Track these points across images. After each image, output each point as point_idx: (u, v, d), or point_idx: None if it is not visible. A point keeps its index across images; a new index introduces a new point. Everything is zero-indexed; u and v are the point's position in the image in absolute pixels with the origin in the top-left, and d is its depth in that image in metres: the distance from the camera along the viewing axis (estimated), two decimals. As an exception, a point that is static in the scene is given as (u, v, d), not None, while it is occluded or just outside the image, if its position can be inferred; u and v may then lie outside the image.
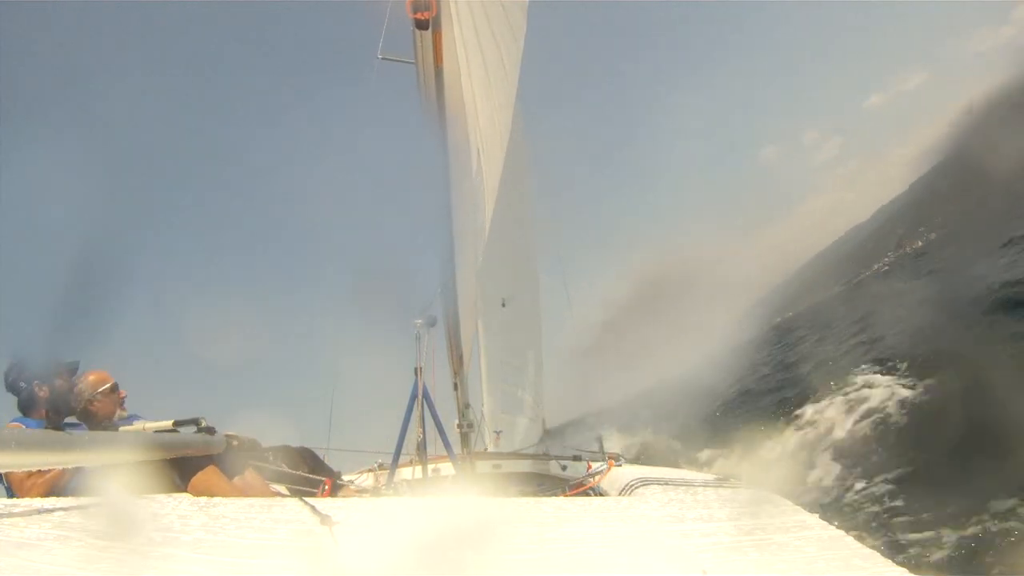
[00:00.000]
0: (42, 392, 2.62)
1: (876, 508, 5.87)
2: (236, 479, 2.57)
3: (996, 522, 4.54)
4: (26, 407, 2.63)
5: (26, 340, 2.56)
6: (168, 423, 2.56)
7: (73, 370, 2.75)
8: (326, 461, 3.50)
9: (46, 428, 2.54)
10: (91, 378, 2.82)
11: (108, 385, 2.83)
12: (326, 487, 2.99)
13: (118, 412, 2.84)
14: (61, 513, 1.34)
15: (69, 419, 2.73)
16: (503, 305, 6.41)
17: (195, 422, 2.60)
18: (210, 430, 2.58)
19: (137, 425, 2.62)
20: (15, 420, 2.58)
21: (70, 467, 1.85)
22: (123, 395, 2.89)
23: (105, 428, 2.63)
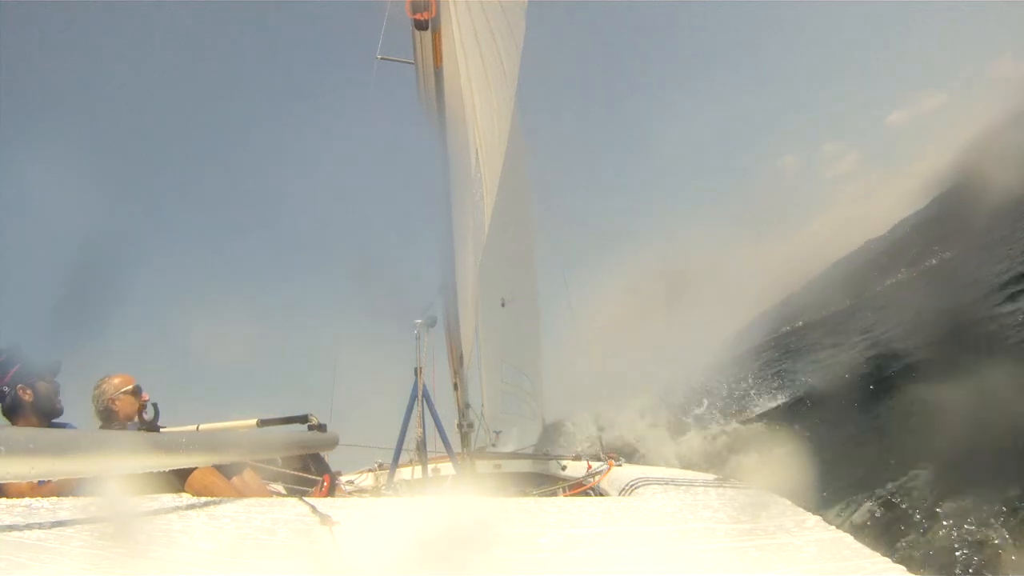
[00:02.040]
0: (26, 396, 2.60)
1: (876, 508, 5.87)
2: (235, 479, 2.56)
3: (996, 523, 4.54)
4: (11, 413, 2.59)
5: (7, 342, 2.54)
6: (251, 422, 2.50)
7: (55, 370, 2.73)
8: (326, 460, 3.49)
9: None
10: (115, 380, 2.88)
11: (130, 387, 2.87)
12: (324, 484, 2.97)
13: (138, 415, 2.82)
14: (61, 513, 1.34)
15: (57, 420, 2.71)
16: (503, 305, 6.41)
17: (305, 419, 2.55)
18: (322, 427, 2.54)
19: (218, 425, 2.54)
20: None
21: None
22: (146, 399, 2.90)
23: (122, 429, 2.58)
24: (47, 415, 2.66)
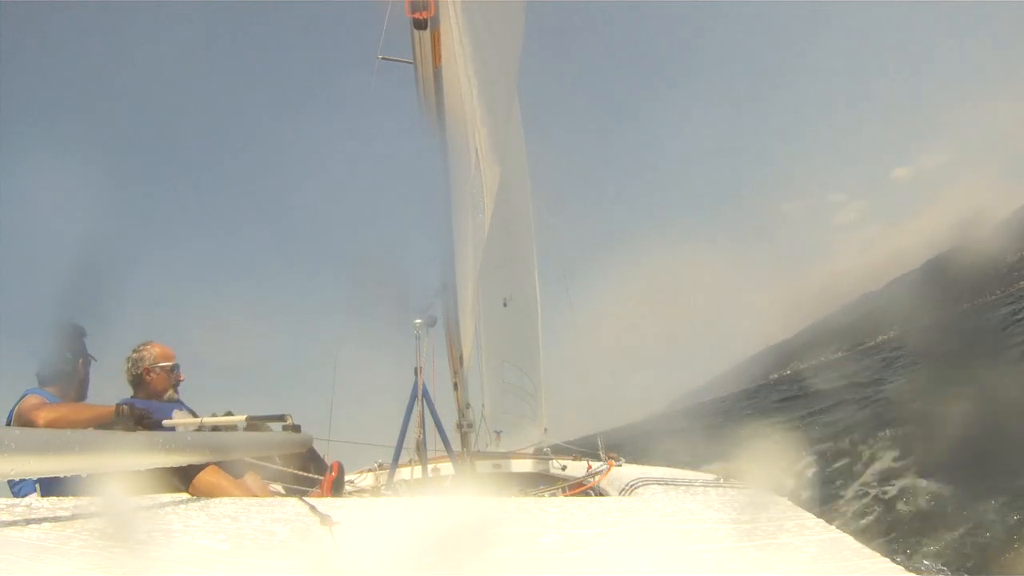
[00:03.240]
0: (69, 368, 2.60)
1: (876, 509, 5.88)
2: (239, 481, 2.56)
3: (996, 523, 4.55)
4: (49, 379, 2.57)
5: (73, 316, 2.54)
6: (240, 418, 2.49)
7: (88, 362, 2.74)
8: (326, 458, 3.50)
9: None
10: (156, 350, 2.80)
11: (170, 363, 2.80)
12: (332, 475, 2.94)
13: (169, 393, 2.80)
14: (62, 513, 1.34)
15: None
16: (504, 305, 6.42)
17: (280, 418, 2.54)
18: (296, 428, 2.52)
19: (196, 420, 2.52)
20: (31, 391, 2.51)
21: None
22: (182, 379, 2.86)
23: (153, 415, 2.54)
24: (77, 395, 2.66)
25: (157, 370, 2.77)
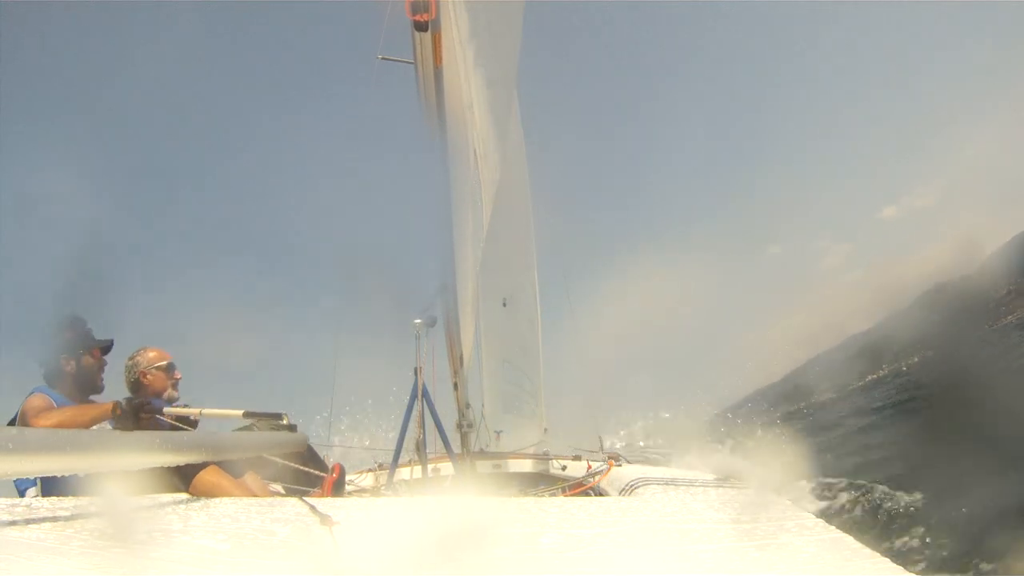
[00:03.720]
0: (68, 367, 2.59)
1: (876, 509, 5.87)
2: (239, 480, 2.55)
3: (996, 523, 4.54)
4: (49, 380, 2.58)
5: (61, 315, 2.53)
6: (237, 412, 2.47)
7: (107, 348, 2.73)
8: (327, 460, 3.49)
9: (65, 401, 2.48)
10: (151, 354, 2.86)
11: (165, 362, 2.85)
12: (333, 476, 2.93)
13: (168, 392, 2.83)
14: (62, 513, 1.33)
15: (93, 397, 2.68)
16: (504, 305, 6.41)
17: (277, 417, 2.51)
18: (292, 427, 2.50)
19: (195, 409, 2.51)
20: (38, 389, 2.51)
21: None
22: (178, 377, 2.89)
23: (149, 408, 2.52)
24: (85, 390, 2.64)
25: (153, 371, 2.82)
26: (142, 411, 2.25)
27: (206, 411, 2.47)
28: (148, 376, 2.81)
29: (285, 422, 2.50)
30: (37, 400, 2.43)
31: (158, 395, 2.79)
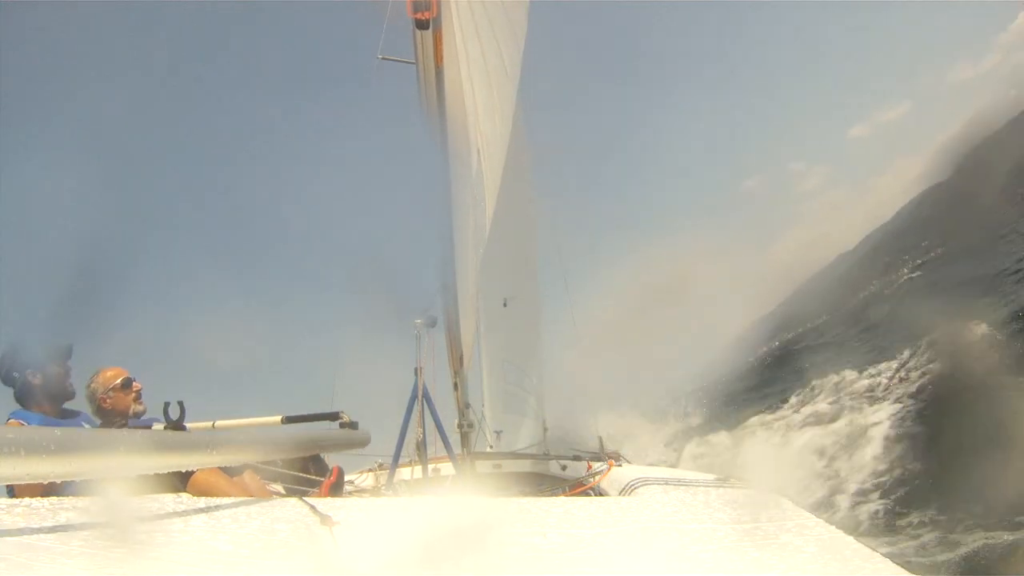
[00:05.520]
0: (36, 380, 2.53)
1: (876, 509, 5.87)
2: (235, 479, 2.55)
3: (996, 524, 4.54)
4: (22, 398, 2.54)
5: (17, 329, 2.51)
6: (275, 419, 2.42)
7: (67, 354, 2.66)
8: (326, 460, 3.48)
9: (46, 420, 2.46)
10: (107, 374, 2.74)
11: (120, 380, 2.73)
12: (332, 478, 2.93)
13: (133, 407, 2.75)
14: (61, 513, 1.33)
15: (66, 405, 2.65)
16: (504, 305, 6.41)
17: (336, 416, 2.47)
18: (353, 425, 2.45)
19: (237, 421, 2.45)
20: (14, 415, 2.48)
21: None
22: (138, 388, 2.78)
23: (121, 426, 2.49)
24: (57, 398, 2.61)
25: (111, 393, 2.72)
26: None
27: (220, 423, 2.40)
28: (107, 400, 2.71)
29: (346, 420, 2.46)
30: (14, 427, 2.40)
31: (123, 415, 2.71)
